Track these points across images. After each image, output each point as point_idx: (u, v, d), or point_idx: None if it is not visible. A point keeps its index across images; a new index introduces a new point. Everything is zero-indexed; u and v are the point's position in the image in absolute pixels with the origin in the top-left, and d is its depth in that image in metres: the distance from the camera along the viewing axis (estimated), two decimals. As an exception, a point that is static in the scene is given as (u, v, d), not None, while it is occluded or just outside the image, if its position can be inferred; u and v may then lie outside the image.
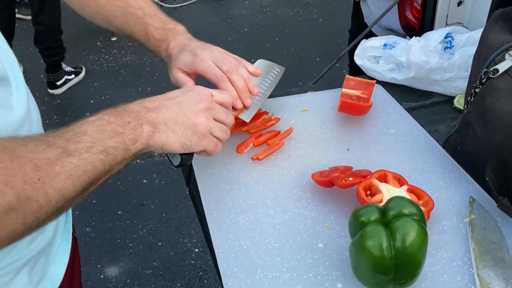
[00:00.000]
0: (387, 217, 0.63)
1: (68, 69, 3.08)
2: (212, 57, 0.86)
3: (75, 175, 0.55)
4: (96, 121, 0.62)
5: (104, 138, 0.60)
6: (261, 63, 0.97)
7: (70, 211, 0.86)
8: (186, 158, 0.75)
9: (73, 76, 3.09)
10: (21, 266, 0.69)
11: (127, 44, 3.52)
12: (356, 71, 1.17)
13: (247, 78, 0.88)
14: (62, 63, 3.02)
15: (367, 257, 0.61)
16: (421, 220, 0.63)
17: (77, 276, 0.88)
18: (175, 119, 0.70)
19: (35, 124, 0.71)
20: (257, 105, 0.90)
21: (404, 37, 1.35)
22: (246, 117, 0.88)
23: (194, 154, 0.76)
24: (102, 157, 0.59)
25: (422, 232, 0.61)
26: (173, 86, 0.88)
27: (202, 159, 0.88)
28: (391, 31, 1.46)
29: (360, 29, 1.64)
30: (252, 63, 0.93)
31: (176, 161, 0.76)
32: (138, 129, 0.65)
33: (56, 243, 0.78)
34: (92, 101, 2.99)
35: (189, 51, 0.86)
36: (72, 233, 0.86)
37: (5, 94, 0.64)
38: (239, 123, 0.93)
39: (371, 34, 1.44)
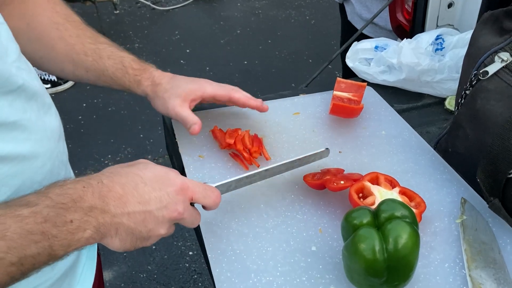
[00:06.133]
0: (379, 219, 0.64)
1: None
2: (212, 82, 0.90)
3: None
4: (29, 217, 0.48)
5: (25, 244, 0.47)
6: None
7: None
8: None
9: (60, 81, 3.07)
10: None
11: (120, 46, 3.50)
12: (350, 72, 1.17)
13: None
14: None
15: (360, 260, 0.61)
16: (413, 222, 0.64)
17: None
18: (132, 230, 0.58)
19: None
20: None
21: (394, 34, 1.36)
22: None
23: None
24: (13, 270, 0.47)
25: (414, 234, 0.62)
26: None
27: (194, 165, 0.88)
28: (378, 27, 1.46)
29: (345, 28, 1.64)
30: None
31: None
32: (78, 233, 0.52)
33: (81, 263, 0.74)
34: (84, 105, 2.97)
35: (185, 79, 0.87)
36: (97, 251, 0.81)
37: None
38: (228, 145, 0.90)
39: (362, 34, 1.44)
